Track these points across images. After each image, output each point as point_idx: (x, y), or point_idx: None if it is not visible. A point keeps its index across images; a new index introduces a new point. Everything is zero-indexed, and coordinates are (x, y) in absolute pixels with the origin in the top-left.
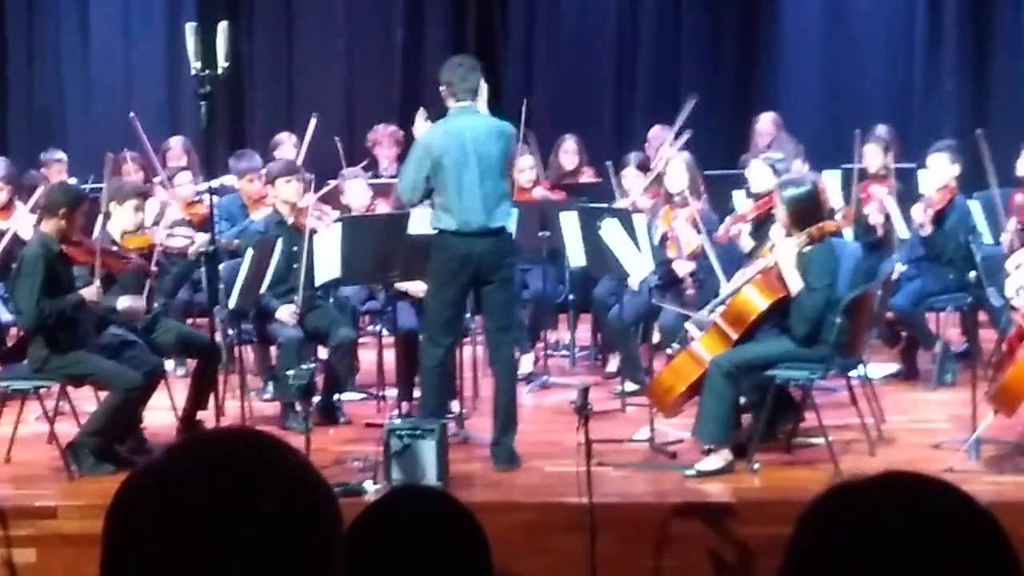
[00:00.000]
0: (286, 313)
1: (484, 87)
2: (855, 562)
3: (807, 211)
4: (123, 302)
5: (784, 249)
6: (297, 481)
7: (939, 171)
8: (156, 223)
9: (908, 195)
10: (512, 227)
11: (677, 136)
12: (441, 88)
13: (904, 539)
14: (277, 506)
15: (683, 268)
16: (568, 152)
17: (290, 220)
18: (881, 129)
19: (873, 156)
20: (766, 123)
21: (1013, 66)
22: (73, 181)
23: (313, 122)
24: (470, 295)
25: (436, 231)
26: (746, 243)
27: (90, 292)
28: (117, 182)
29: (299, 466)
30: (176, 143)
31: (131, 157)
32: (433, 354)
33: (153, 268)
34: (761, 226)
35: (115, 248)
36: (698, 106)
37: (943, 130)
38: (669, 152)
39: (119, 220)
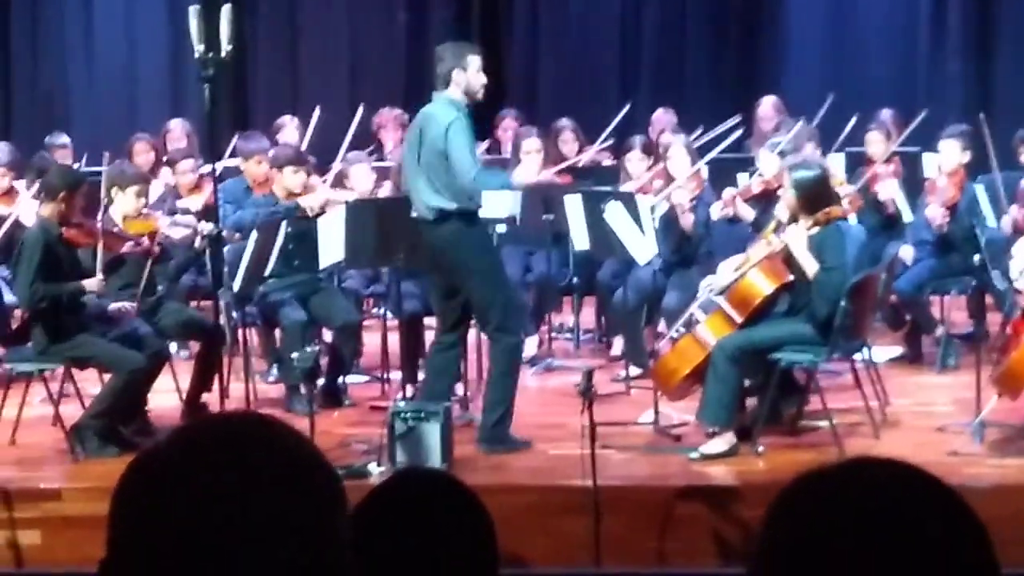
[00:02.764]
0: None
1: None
2: (824, 549)
3: (816, 195)
4: (114, 305)
5: (795, 233)
6: (301, 464)
7: (950, 157)
8: (159, 208)
9: (913, 178)
10: (516, 210)
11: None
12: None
13: (872, 524)
14: (282, 489)
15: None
16: (567, 142)
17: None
18: (885, 113)
19: (876, 144)
20: (767, 107)
21: (1017, 48)
22: (77, 166)
23: (317, 112)
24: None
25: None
26: (745, 211)
27: (91, 283)
28: (119, 167)
29: (303, 449)
30: (176, 125)
31: (142, 137)
32: (436, 337)
33: (155, 248)
34: (766, 205)
35: (116, 230)
36: (703, 89)
37: (947, 112)
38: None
39: (121, 205)
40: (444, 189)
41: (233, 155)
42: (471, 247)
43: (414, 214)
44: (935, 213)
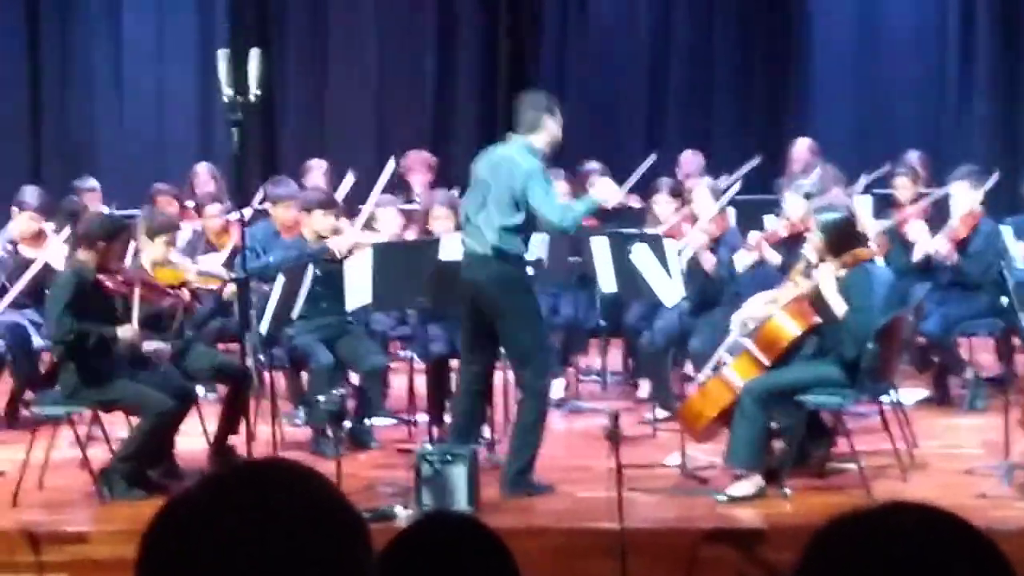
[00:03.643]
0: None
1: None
2: None
3: (842, 238)
4: (149, 345)
5: (824, 274)
6: (327, 510)
7: (961, 199)
8: (188, 254)
9: (942, 220)
10: (543, 253)
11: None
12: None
13: (905, 569)
14: (308, 535)
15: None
16: (594, 184)
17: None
18: (912, 156)
19: (904, 189)
20: (801, 149)
21: None
22: (106, 209)
23: (350, 177)
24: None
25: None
26: (771, 255)
27: (126, 330)
28: (149, 214)
29: (330, 495)
30: (203, 169)
31: (163, 189)
32: (461, 378)
33: (192, 303)
34: (793, 248)
35: (153, 282)
36: (730, 131)
37: (975, 155)
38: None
39: (150, 253)
40: (505, 231)
41: (263, 199)
42: (518, 289)
43: (457, 252)
44: (941, 247)
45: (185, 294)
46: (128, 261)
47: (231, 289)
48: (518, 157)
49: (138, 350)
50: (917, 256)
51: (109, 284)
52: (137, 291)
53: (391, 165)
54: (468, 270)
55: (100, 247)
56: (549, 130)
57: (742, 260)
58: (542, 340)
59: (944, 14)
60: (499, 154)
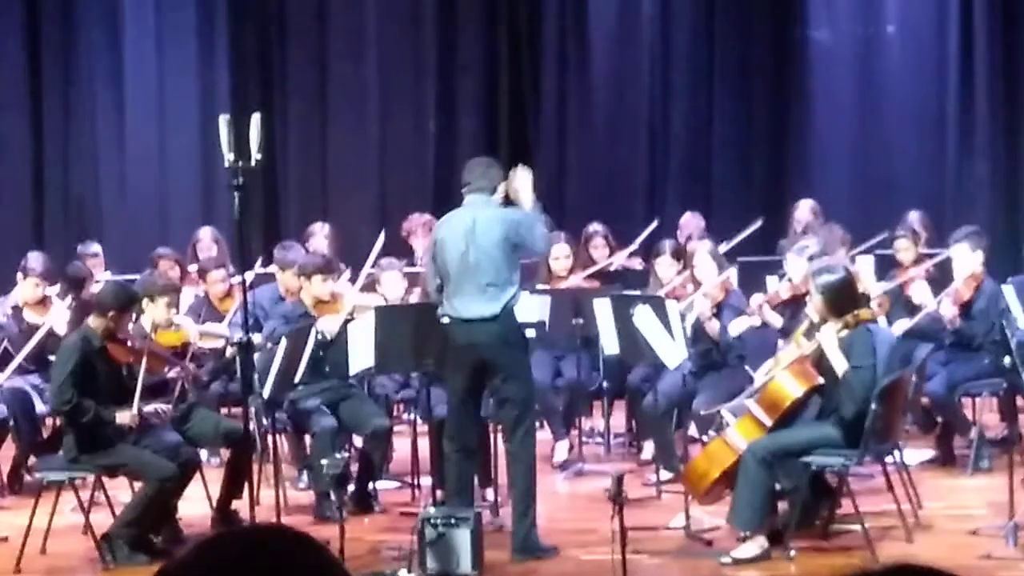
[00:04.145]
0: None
1: (502, 183)
2: None
3: (842, 299)
4: (148, 407)
5: (827, 333)
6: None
7: (963, 261)
8: (191, 317)
9: (943, 280)
10: (545, 315)
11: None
12: (463, 189)
13: None
14: None
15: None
16: (598, 247)
17: (313, 313)
18: (913, 216)
19: (905, 251)
20: (804, 210)
21: None
22: (108, 274)
23: (382, 238)
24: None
25: (443, 321)
26: (772, 318)
27: (124, 416)
28: (149, 278)
29: (325, 561)
30: (206, 234)
31: (165, 254)
32: (447, 443)
33: (197, 372)
34: (795, 310)
35: (160, 351)
36: (731, 194)
37: (976, 215)
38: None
39: (151, 316)
40: (503, 284)
41: (268, 262)
42: (519, 345)
43: (458, 315)
44: (946, 310)
45: (190, 366)
46: (130, 325)
47: (233, 350)
48: (496, 211)
49: (140, 414)
50: (921, 320)
51: (117, 352)
52: (144, 361)
53: (382, 238)
54: (471, 335)
55: (112, 315)
56: (501, 192)
57: (738, 326)
58: (534, 392)
59: (944, 75)
60: (473, 218)
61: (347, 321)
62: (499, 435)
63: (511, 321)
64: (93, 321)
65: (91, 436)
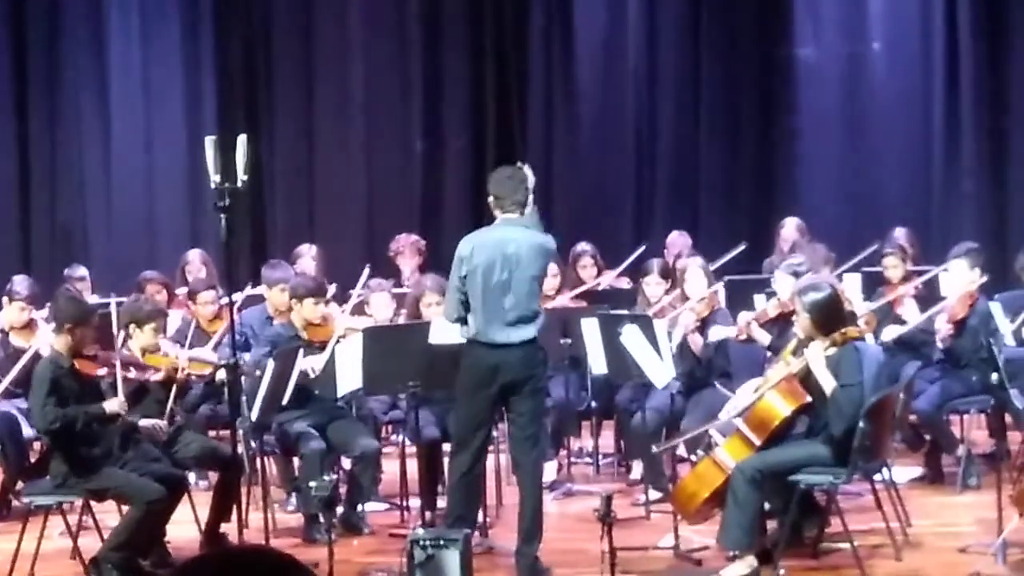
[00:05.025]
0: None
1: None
2: None
3: (829, 316)
4: (144, 422)
5: (814, 351)
6: None
7: (960, 277)
8: (178, 341)
9: (930, 297)
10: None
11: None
12: (489, 199)
13: None
14: None
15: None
16: (586, 267)
17: (304, 335)
18: (899, 233)
19: (894, 269)
20: (790, 229)
21: None
22: (96, 298)
23: (366, 272)
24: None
25: (466, 340)
26: (760, 336)
27: (112, 403)
28: (136, 303)
29: None
30: (195, 256)
31: (152, 277)
32: (461, 462)
33: (180, 375)
34: (783, 328)
35: (134, 358)
36: (717, 214)
37: (962, 231)
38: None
39: (139, 341)
40: (537, 309)
41: (256, 283)
42: (544, 363)
43: (448, 335)
44: (940, 327)
45: (160, 369)
46: (118, 351)
47: (222, 374)
48: (540, 238)
49: (129, 425)
50: (912, 329)
51: (87, 368)
52: (118, 367)
53: (367, 272)
54: (501, 356)
55: (74, 332)
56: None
57: (718, 334)
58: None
59: (929, 92)
60: (515, 240)
61: (336, 342)
62: (486, 456)
63: (537, 343)
64: (57, 342)
65: (79, 459)
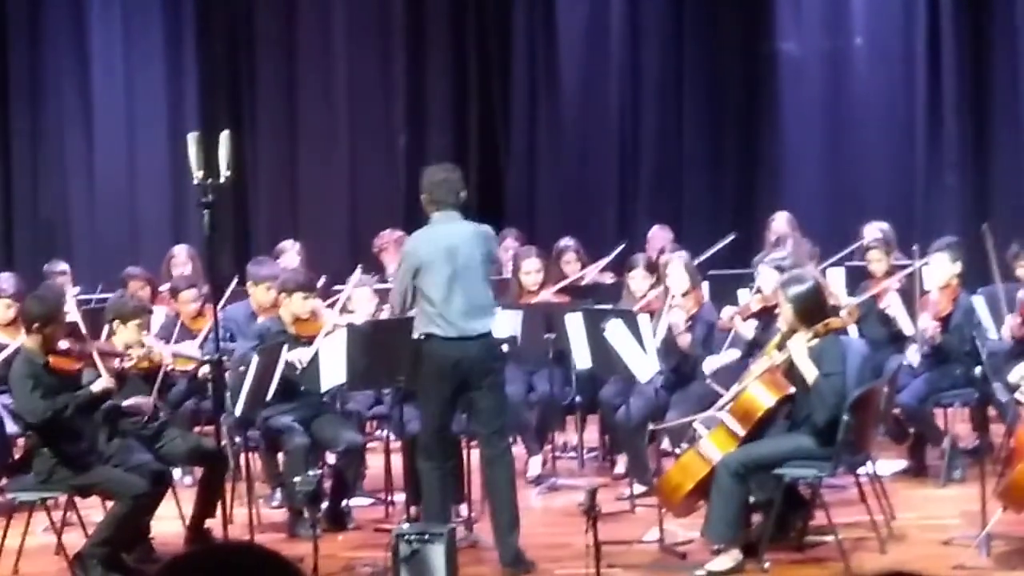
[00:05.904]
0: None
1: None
2: None
3: (812, 308)
4: (129, 400)
5: (796, 342)
6: None
7: (940, 270)
8: (163, 338)
9: (912, 290)
10: (517, 330)
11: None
12: (422, 197)
13: None
14: None
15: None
16: (569, 262)
17: (291, 330)
18: (881, 227)
19: (878, 262)
20: (780, 222)
21: (1013, 161)
22: (76, 291)
23: (358, 272)
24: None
25: (422, 336)
26: (745, 329)
27: (99, 383)
28: (119, 300)
29: None
30: (180, 251)
31: (135, 274)
32: (427, 464)
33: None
34: (767, 322)
35: (110, 347)
36: (701, 209)
37: (945, 225)
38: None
39: (122, 338)
40: (490, 300)
41: (241, 281)
42: (503, 356)
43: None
44: (926, 325)
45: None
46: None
47: (206, 369)
48: (483, 231)
49: (113, 407)
50: (906, 330)
51: (64, 365)
52: (96, 355)
53: (358, 271)
54: (459, 350)
55: (43, 331)
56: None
57: (718, 361)
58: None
59: (912, 86)
60: (460, 234)
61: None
62: (471, 450)
63: (494, 337)
64: (28, 341)
65: (63, 455)
